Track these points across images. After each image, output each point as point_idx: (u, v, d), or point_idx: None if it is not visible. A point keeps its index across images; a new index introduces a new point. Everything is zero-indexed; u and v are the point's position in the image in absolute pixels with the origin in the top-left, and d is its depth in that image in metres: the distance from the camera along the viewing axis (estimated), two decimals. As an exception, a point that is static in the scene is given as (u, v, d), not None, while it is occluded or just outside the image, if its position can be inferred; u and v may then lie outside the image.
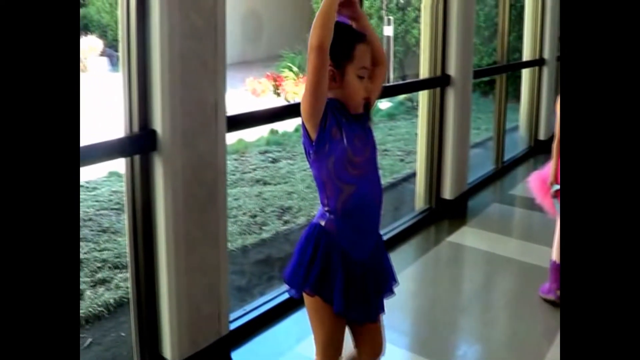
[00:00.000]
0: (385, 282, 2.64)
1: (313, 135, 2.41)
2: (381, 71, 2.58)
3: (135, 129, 3.05)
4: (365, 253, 2.52)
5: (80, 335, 4.22)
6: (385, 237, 3.66)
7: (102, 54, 17.87)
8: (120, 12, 3.01)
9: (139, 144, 3.07)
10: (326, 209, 2.48)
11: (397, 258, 2.58)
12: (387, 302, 2.65)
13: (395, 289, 2.67)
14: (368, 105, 2.52)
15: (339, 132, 2.40)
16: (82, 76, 16.28)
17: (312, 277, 2.49)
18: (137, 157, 3.09)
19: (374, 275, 2.56)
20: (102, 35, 19.06)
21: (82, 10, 20.69)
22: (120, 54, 3.09)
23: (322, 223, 2.49)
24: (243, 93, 14.01)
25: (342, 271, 2.47)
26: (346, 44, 2.41)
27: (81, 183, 7.58)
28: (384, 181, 6.44)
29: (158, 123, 3.04)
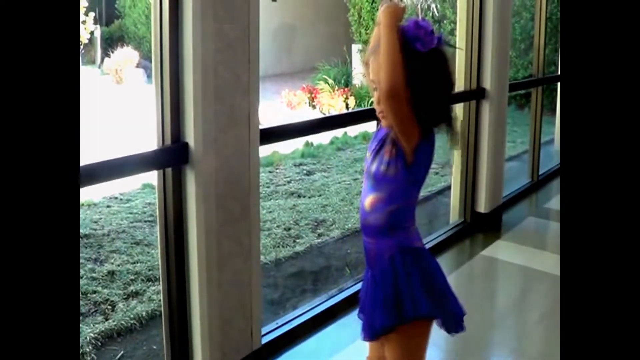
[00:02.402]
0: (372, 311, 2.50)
1: None
2: (384, 103, 2.30)
3: (168, 141, 3.05)
4: (367, 261, 2.54)
5: (112, 347, 4.24)
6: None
7: (138, 65, 18.01)
8: (153, 24, 3.02)
9: (171, 157, 3.07)
10: None
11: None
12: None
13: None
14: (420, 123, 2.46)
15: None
16: (119, 88, 16.45)
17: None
18: (169, 170, 3.09)
19: (373, 294, 2.49)
20: (138, 47, 19.22)
21: (118, 22, 20.97)
22: (153, 66, 3.10)
23: None
24: (278, 105, 14.04)
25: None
26: None
27: (115, 195, 7.64)
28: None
29: (190, 135, 3.04)
